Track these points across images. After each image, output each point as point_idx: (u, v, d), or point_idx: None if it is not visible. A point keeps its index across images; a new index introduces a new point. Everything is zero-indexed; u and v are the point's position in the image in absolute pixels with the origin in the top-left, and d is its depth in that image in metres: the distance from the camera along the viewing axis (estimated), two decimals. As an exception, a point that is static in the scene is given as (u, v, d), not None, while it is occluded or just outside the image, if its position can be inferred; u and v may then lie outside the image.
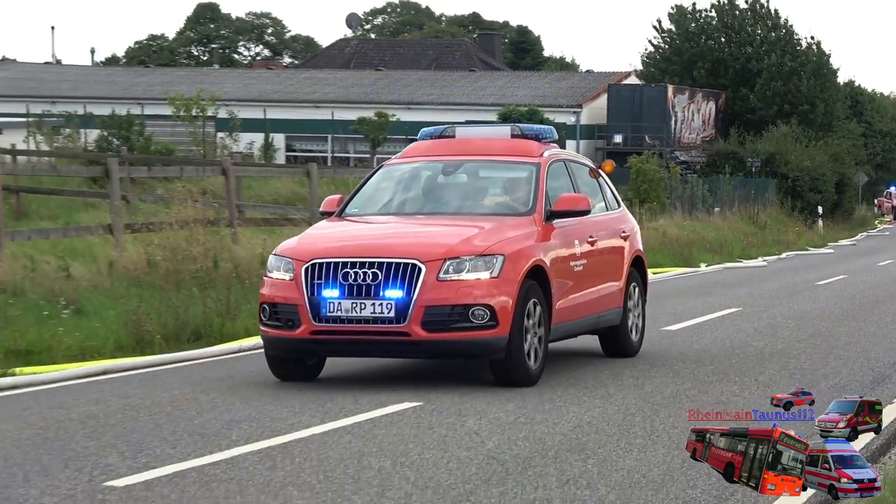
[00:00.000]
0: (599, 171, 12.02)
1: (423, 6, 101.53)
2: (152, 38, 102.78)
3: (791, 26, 69.50)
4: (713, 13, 68.85)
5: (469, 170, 11.38)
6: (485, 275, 9.34)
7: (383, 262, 9.30)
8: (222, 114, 51.63)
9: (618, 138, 59.86)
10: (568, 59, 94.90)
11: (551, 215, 10.45)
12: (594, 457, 7.58)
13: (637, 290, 12.17)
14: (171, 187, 24.34)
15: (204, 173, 27.47)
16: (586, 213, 10.78)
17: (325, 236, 10.58)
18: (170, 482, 6.83)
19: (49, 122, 48.11)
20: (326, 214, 11.29)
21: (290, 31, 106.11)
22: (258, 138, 54.80)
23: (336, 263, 9.42)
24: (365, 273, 9.20)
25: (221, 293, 14.80)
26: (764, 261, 32.29)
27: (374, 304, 9.24)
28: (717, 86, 66.64)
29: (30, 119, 48.90)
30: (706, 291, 21.70)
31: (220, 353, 12.86)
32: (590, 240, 11.05)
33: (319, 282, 9.38)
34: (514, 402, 9.93)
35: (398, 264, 9.28)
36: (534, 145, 11.23)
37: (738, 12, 68.65)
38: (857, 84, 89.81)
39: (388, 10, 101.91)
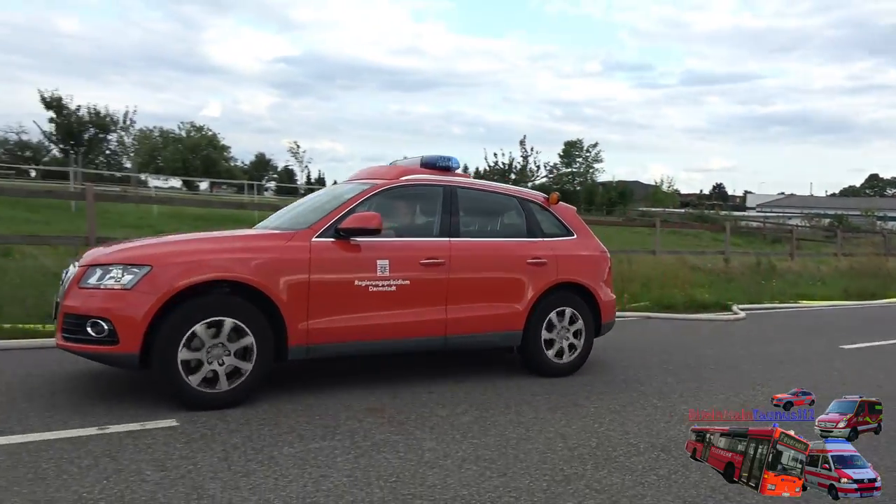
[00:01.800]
0: (546, 204, 8.16)
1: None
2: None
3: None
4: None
5: (343, 190, 7.40)
6: (116, 286, 5.76)
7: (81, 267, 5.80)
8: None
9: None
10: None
11: (338, 233, 6.65)
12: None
13: (569, 314, 7.71)
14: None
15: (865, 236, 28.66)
16: (377, 231, 6.72)
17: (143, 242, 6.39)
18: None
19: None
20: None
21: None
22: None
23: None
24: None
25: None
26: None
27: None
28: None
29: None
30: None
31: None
32: (426, 261, 6.93)
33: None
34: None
35: (80, 270, 5.90)
36: (400, 170, 7.45)
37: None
38: None
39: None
